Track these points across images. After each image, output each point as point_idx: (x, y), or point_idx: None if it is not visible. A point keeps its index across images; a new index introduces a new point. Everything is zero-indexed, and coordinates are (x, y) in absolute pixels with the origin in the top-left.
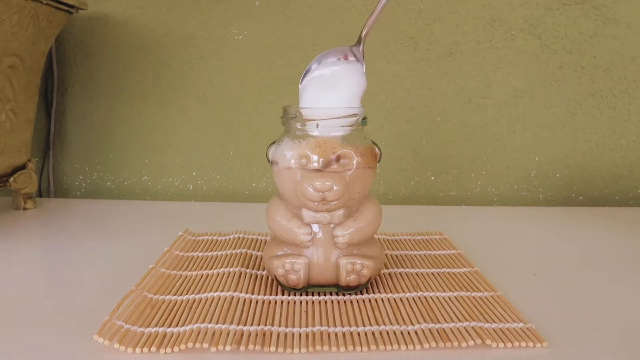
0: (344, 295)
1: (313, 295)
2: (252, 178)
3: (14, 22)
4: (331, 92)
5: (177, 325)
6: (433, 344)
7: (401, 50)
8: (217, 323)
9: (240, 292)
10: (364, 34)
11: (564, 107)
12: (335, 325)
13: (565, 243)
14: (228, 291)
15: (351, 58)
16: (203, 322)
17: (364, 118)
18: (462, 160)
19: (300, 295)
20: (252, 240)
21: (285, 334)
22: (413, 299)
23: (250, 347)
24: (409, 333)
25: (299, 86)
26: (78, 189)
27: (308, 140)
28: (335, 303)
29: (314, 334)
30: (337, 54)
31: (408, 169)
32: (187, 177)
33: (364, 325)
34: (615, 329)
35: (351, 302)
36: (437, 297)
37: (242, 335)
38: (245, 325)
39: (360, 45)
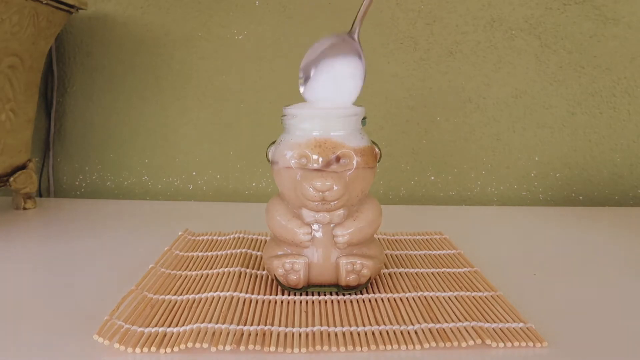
0: (343, 295)
1: (313, 295)
2: (252, 178)
3: (14, 22)
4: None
5: (177, 325)
6: (433, 344)
7: (401, 50)
8: (217, 323)
9: (240, 292)
10: (357, 22)
11: (564, 107)
12: (335, 325)
13: (565, 243)
14: (228, 291)
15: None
16: (203, 322)
17: (364, 118)
18: (462, 160)
19: (300, 295)
20: (252, 240)
21: (285, 334)
22: (413, 298)
23: (250, 347)
24: (409, 333)
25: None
26: (78, 189)
27: (308, 140)
28: (335, 303)
29: (313, 333)
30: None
31: (408, 169)
32: (187, 177)
33: (364, 325)
34: (615, 329)
35: (351, 302)
36: (437, 297)
37: (242, 335)
38: (245, 325)
39: (355, 32)
